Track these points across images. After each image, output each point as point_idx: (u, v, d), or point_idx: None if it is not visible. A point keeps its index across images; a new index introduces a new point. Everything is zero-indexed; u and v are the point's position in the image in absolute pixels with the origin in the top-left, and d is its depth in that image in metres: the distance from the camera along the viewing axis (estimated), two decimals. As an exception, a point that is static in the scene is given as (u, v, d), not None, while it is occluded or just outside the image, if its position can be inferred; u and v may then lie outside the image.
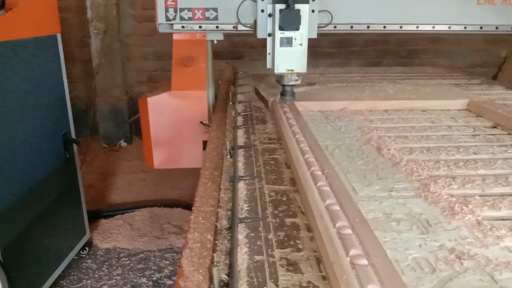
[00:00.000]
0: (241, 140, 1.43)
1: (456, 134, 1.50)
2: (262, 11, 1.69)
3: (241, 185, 1.06)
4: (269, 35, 1.69)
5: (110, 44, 4.37)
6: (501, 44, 4.58)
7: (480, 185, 1.05)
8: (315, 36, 1.73)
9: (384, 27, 2.04)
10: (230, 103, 2.01)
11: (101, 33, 4.31)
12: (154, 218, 3.23)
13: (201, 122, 2.09)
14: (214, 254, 0.77)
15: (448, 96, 1.96)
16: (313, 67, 3.46)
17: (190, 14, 1.90)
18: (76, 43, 4.51)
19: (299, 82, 1.75)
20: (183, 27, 1.94)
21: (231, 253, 0.75)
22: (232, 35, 4.26)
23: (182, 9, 1.89)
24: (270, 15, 1.66)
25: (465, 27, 2.06)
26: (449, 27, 2.06)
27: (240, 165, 1.21)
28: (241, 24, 1.84)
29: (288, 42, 1.65)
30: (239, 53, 4.55)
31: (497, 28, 2.08)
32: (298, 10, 1.60)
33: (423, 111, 1.80)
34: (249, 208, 0.95)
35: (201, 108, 2.10)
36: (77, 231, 2.69)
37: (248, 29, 1.84)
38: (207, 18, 1.91)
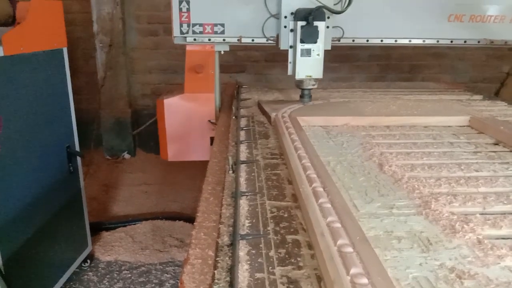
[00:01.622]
0: (243, 155, 1.44)
1: (457, 151, 1.50)
2: (285, 27, 2.03)
3: (242, 201, 1.07)
4: (291, 47, 2.03)
5: (115, 57, 4.42)
6: (504, 60, 4.59)
7: (481, 203, 1.06)
8: (329, 48, 2.07)
9: (367, 40, 2.28)
10: (233, 117, 2.03)
11: (106, 46, 4.36)
12: (156, 231, 3.23)
13: (209, 121, 2.35)
14: (215, 271, 0.77)
15: (450, 112, 1.97)
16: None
17: (201, 29, 2.21)
18: (81, 56, 4.56)
19: (315, 86, 2.11)
20: (195, 39, 2.24)
21: (232, 271, 0.75)
22: (236, 49, 4.31)
23: (194, 24, 2.20)
24: (291, 31, 2.01)
25: (437, 41, 2.30)
26: (424, 41, 2.31)
27: (242, 180, 1.22)
28: (265, 37, 2.17)
29: (307, 53, 1.97)
30: (242, 66, 4.59)
31: (465, 41, 2.32)
32: (316, 26, 1.93)
33: (425, 127, 1.81)
34: (250, 224, 0.95)
35: (209, 108, 2.38)
36: (79, 243, 2.69)
37: (272, 41, 2.18)
38: (215, 32, 2.22)
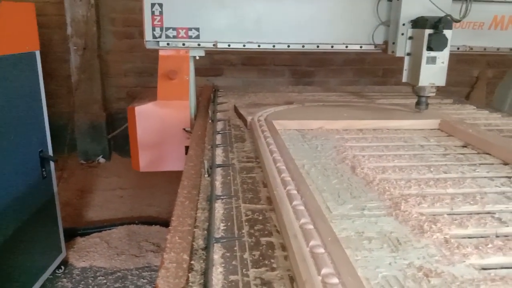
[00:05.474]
0: (219, 159, 1.45)
1: (427, 153, 1.55)
2: (402, 34, 2.05)
3: (218, 204, 1.08)
4: (408, 54, 2.03)
5: (90, 60, 4.35)
6: (474, 65, 4.74)
7: (449, 203, 1.09)
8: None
9: (332, 46, 2.30)
10: (210, 121, 2.03)
11: (80, 49, 4.29)
12: (131, 236, 3.20)
13: (184, 129, 2.24)
14: (190, 274, 0.78)
15: (421, 115, 2.03)
16: (292, 86, 3.52)
17: (174, 33, 2.12)
18: (55, 59, 4.47)
19: (434, 94, 2.07)
20: (168, 44, 2.15)
21: (205, 274, 0.76)
22: (212, 53, 4.31)
23: (167, 28, 2.12)
24: (410, 38, 2.01)
25: None
26: None
27: (218, 184, 1.22)
28: (373, 44, 2.23)
29: (432, 60, 1.95)
30: (219, 70, 4.59)
31: None
32: (445, 34, 1.91)
33: (397, 130, 1.86)
34: (225, 227, 0.96)
35: (184, 116, 2.26)
36: (52, 249, 2.63)
37: (378, 49, 2.25)
38: (190, 37, 2.14)
